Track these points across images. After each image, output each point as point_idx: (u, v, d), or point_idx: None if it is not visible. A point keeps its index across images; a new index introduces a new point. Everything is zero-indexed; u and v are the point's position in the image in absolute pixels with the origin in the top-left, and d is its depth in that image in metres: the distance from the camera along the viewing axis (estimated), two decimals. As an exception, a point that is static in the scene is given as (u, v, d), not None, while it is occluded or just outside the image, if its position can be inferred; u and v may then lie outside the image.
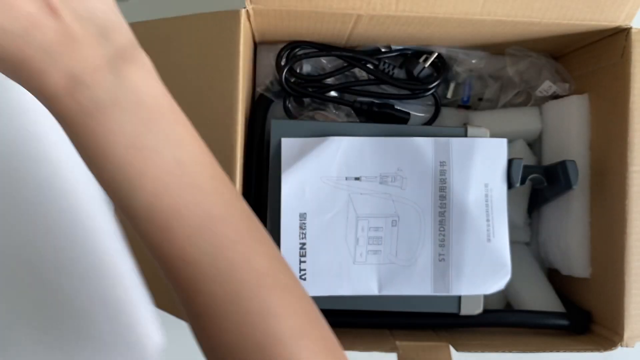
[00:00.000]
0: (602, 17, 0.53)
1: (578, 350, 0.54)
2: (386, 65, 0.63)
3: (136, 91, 0.30)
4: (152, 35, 0.53)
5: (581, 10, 0.52)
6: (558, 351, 0.53)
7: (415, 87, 0.62)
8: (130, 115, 0.29)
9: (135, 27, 0.53)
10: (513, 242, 0.57)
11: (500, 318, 0.60)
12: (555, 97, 0.65)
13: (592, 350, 0.54)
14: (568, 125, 0.62)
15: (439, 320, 0.59)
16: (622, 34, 0.55)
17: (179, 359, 0.54)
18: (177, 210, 0.30)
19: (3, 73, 0.29)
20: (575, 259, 0.61)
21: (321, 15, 0.53)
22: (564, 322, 0.59)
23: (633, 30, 0.54)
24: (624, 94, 0.54)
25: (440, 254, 0.55)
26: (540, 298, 0.63)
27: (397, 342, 0.53)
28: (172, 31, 0.52)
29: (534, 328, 0.60)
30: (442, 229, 0.55)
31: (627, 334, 0.53)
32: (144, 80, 0.30)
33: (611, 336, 0.55)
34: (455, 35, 0.58)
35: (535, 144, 0.68)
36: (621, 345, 0.54)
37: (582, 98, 0.62)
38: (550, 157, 0.64)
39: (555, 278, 0.65)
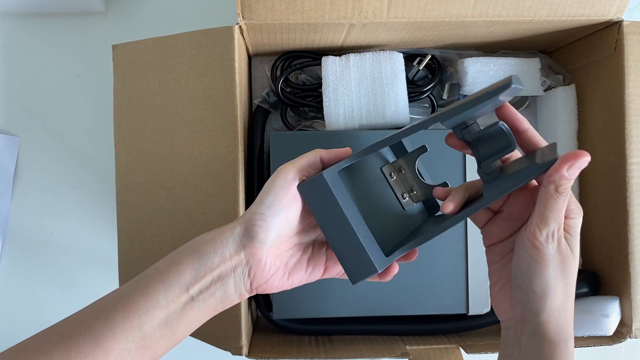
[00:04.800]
0: (593, 12, 0.53)
1: (587, 344, 0.54)
2: (381, 70, 0.63)
3: None
4: (149, 55, 0.53)
5: (572, 6, 0.52)
6: (567, 347, 0.53)
7: (410, 90, 0.63)
8: None
9: (132, 46, 0.53)
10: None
11: None
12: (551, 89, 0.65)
13: (601, 343, 0.54)
14: (555, 116, 0.63)
15: (449, 325, 0.59)
16: (613, 27, 0.55)
17: None
18: None
19: None
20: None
21: (314, 27, 0.53)
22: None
23: (624, 23, 0.54)
24: (618, 87, 0.55)
25: None
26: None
27: (408, 347, 0.53)
28: (169, 50, 0.52)
29: None
30: None
31: (635, 325, 0.54)
32: None
33: (620, 327, 0.55)
34: (448, 37, 0.59)
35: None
36: (630, 337, 0.54)
37: (568, 89, 0.62)
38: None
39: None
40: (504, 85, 0.35)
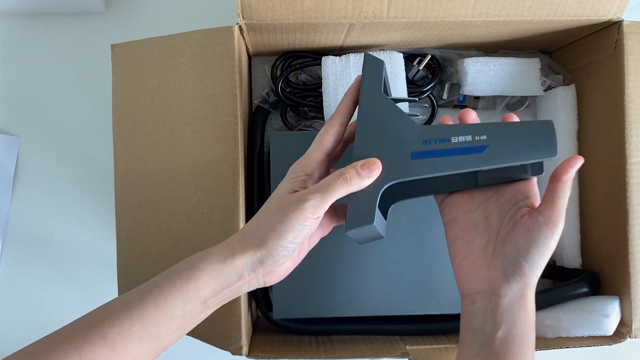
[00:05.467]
0: (593, 12, 0.53)
1: (587, 344, 0.54)
2: (381, 70, 0.63)
3: None
4: (148, 55, 0.53)
5: (572, 6, 0.52)
6: (567, 347, 0.53)
7: (410, 90, 0.63)
8: None
9: (131, 46, 0.53)
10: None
11: None
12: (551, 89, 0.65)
13: (601, 343, 0.54)
14: (555, 116, 0.63)
15: (449, 325, 0.59)
16: (613, 27, 0.55)
17: None
18: None
19: None
20: (565, 250, 0.62)
21: (314, 26, 0.53)
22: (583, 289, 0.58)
23: (624, 23, 0.54)
24: (618, 87, 0.55)
25: None
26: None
27: (408, 347, 0.53)
28: (168, 50, 0.52)
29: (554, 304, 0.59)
30: None
31: (635, 325, 0.54)
32: None
33: (620, 327, 0.55)
34: (448, 37, 0.59)
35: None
36: (630, 337, 0.54)
37: (567, 89, 0.62)
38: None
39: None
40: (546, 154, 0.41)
